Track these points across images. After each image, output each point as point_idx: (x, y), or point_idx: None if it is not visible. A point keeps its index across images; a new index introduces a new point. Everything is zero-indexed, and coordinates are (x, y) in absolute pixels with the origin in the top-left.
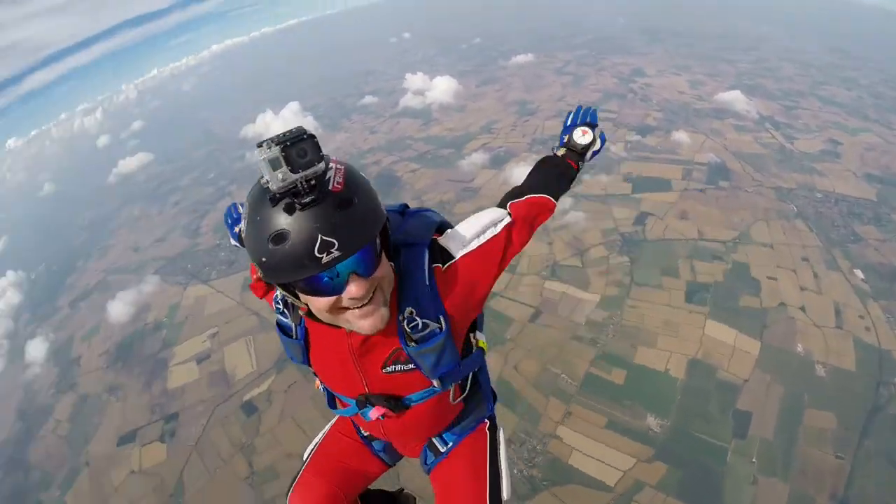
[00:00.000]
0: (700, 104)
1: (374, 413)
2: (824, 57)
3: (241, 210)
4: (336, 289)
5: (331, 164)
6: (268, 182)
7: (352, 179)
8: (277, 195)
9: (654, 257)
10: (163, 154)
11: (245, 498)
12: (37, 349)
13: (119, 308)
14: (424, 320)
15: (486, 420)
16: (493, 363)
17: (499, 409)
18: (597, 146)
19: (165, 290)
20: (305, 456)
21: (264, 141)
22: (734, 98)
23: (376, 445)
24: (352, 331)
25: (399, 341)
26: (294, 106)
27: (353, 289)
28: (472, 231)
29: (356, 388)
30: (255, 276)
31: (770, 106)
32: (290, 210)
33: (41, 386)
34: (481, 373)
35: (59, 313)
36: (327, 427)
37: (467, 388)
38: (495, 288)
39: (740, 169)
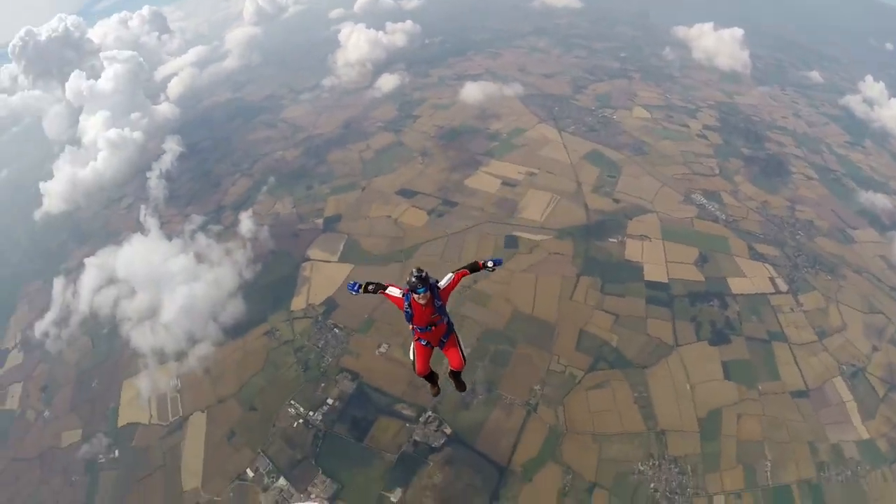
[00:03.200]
0: None
1: (433, 329)
2: None
3: (355, 288)
4: (416, 294)
5: (424, 272)
6: (414, 273)
7: (426, 276)
8: (415, 276)
9: None
10: (595, 12)
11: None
12: (386, 83)
13: (472, 91)
14: (438, 301)
15: (454, 332)
16: (726, 393)
17: (690, 434)
18: (493, 268)
19: (522, 114)
20: (412, 356)
21: (415, 269)
22: None
23: (427, 344)
24: (423, 305)
25: (434, 307)
26: (738, 33)
27: (420, 295)
28: (444, 279)
29: (426, 321)
30: (400, 300)
31: None
32: (416, 280)
33: (376, 117)
34: (450, 319)
35: (428, 79)
36: (412, 349)
37: (448, 323)
38: (791, 336)
39: None
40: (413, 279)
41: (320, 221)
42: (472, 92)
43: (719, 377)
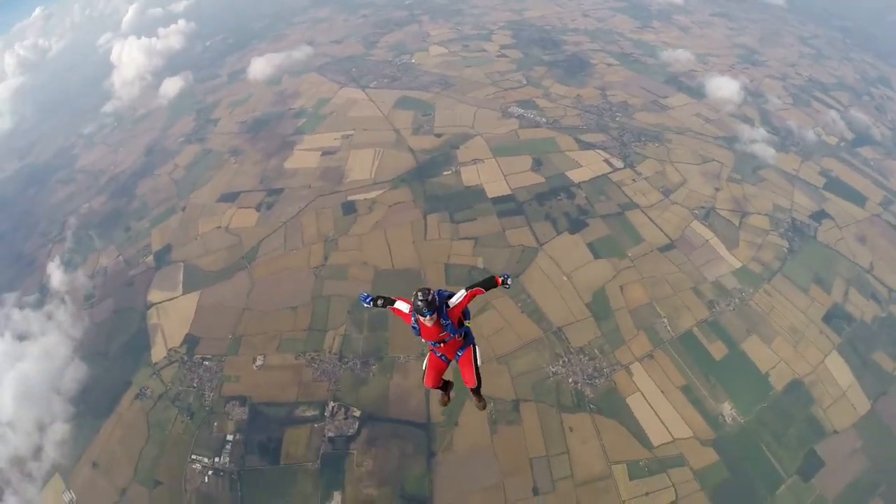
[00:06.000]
0: None
1: (442, 344)
2: None
3: (368, 300)
4: (424, 316)
5: (432, 293)
6: (419, 298)
7: (433, 297)
8: (420, 300)
9: (814, 260)
10: None
11: (303, 284)
12: (173, 86)
13: (263, 75)
14: (445, 320)
15: (472, 345)
16: (601, 272)
17: (584, 321)
18: (508, 284)
19: (321, 84)
20: (424, 366)
21: (419, 292)
22: None
23: (442, 357)
24: (430, 325)
25: (441, 324)
26: None
27: (427, 318)
28: (455, 296)
29: (435, 339)
30: (407, 315)
31: None
32: (422, 302)
33: (176, 132)
34: (469, 332)
35: (218, 80)
36: (426, 359)
37: (464, 336)
38: (640, 202)
39: None
40: (419, 303)
41: (150, 259)
42: (264, 75)
43: (590, 259)
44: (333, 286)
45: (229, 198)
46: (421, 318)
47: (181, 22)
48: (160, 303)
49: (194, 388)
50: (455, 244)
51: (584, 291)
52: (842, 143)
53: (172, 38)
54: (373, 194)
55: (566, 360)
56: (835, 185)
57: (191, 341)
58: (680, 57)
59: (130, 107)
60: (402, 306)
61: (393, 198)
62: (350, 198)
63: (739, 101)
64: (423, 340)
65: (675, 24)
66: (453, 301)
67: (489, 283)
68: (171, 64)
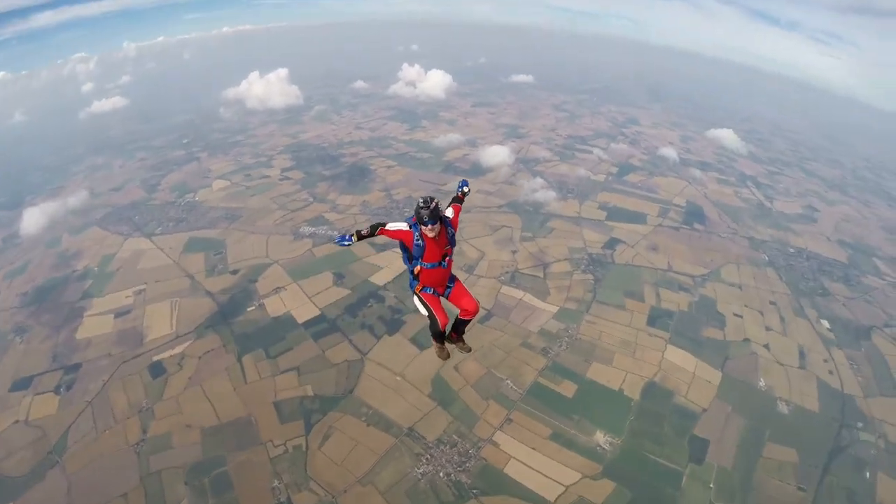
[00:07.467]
0: (687, 156)
1: (446, 264)
2: (814, 139)
3: (347, 240)
4: (427, 226)
5: (435, 201)
6: (423, 203)
7: (437, 206)
8: (423, 205)
9: (620, 280)
10: (142, 109)
11: (127, 465)
12: None
13: (35, 217)
14: (451, 229)
15: (457, 278)
16: (430, 361)
17: (433, 412)
18: (467, 191)
19: (104, 239)
20: (424, 311)
21: (422, 199)
22: (721, 150)
23: (434, 293)
24: (434, 237)
25: (448, 236)
26: (282, 73)
27: (429, 227)
28: (447, 210)
29: (440, 255)
30: (409, 233)
31: (755, 168)
32: (425, 210)
33: None
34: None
35: None
36: (416, 300)
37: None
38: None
39: (717, 216)
40: (422, 212)
41: None
42: (39, 230)
43: (416, 353)
44: (160, 460)
45: (22, 385)
46: (424, 230)
47: None
48: None
49: None
50: (278, 379)
51: (422, 384)
52: (609, 178)
53: None
54: (179, 349)
55: (428, 456)
56: (616, 214)
57: None
58: (452, 142)
59: None
60: (398, 225)
61: (201, 348)
62: (156, 358)
63: (513, 170)
64: (420, 267)
65: (443, 120)
66: (448, 214)
67: (457, 200)
68: None
